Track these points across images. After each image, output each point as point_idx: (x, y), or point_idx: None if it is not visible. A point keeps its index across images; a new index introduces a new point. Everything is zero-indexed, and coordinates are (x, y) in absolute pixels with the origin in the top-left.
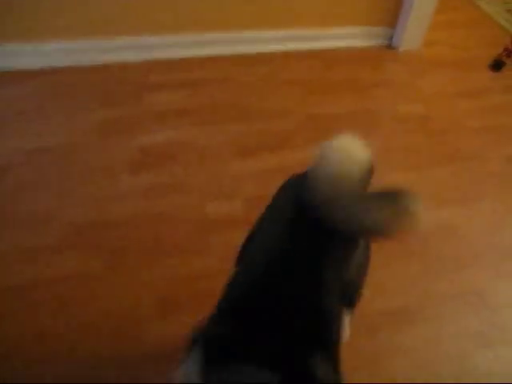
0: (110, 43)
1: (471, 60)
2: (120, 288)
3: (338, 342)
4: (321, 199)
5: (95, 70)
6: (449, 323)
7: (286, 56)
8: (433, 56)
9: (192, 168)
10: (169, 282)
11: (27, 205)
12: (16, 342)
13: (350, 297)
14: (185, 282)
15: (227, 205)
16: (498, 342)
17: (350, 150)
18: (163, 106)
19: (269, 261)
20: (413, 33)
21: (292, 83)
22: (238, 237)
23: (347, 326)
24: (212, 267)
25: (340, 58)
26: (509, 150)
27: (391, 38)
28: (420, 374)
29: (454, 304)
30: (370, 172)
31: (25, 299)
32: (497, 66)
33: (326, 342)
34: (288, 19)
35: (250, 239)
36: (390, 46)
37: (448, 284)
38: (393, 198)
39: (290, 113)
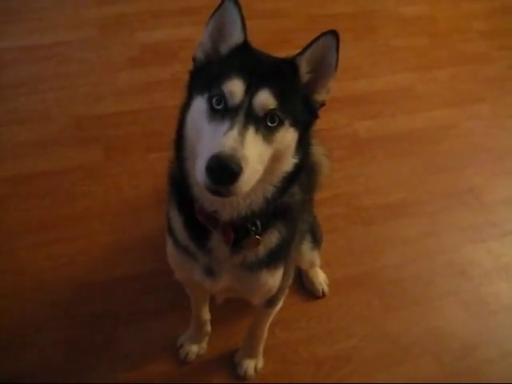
0: None
1: None
2: (119, 179)
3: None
4: None
5: None
6: (444, 218)
7: None
8: None
9: (191, 65)
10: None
11: (25, 101)
12: (18, 229)
13: (316, 237)
14: None
15: None
16: (490, 237)
17: None
18: (163, 3)
19: None
20: None
21: None
22: None
23: (317, 257)
24: None
25: None
26: None
27: None
28: (414, 263)
29: (450, 200)
30: None
31: (28, 190)
32: None
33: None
34: None
35: None
36: None
37: (444, 181)
38: None
39: (291, 13)
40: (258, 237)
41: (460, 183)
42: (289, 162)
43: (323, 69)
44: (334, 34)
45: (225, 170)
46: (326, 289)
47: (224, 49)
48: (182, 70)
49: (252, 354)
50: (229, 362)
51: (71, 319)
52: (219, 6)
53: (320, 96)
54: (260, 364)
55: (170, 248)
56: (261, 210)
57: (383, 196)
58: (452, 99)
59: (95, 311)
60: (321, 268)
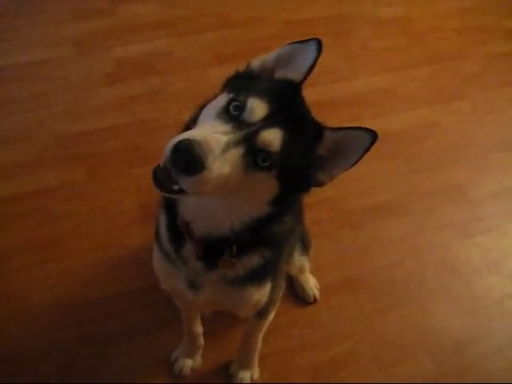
0: None
1: None
2: (102, 195)
3: None
4: None
5: None
6: (430, 216)
7: None
8: None
9: (170, 77)
10: (151, 187)
11: (4, 121)
12: (2, 252)
13: (305, 243)
14: None
15: None
16: (477, 233)
17: None
18: (138, 17)
19: None
20: None
21: None
22: None
23: (307, 263)
24: None
25: None
26: (490, 48)
27: None
28: (404, 263)
29: (436, 198)
30: None
31: (11, 211)
32: None
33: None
34: None
35: None
36: None
37: (429, 179)
38: None
39: (266, 20)
40: (233, 259)
41: (445, 180)
42: (258, 208)
43: (342, 156)
44: (374, 135)
45: (190, 156)
46: (317, 294)
47: (278, 75)
48: (160, 83)
49: (247, 365)
50: (225, 374)
51: (61, 342)
52: (305, 41)
53: (322, 176)
54: (256, 375)
55: (155, 254)
56: (229, 239)
57: (369, 198)
58: (432, 98)
59: (85, 332)
60: (311, 273)
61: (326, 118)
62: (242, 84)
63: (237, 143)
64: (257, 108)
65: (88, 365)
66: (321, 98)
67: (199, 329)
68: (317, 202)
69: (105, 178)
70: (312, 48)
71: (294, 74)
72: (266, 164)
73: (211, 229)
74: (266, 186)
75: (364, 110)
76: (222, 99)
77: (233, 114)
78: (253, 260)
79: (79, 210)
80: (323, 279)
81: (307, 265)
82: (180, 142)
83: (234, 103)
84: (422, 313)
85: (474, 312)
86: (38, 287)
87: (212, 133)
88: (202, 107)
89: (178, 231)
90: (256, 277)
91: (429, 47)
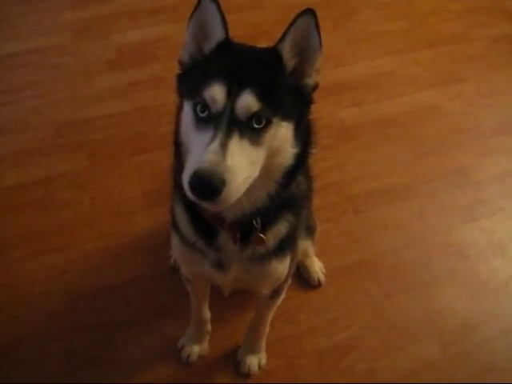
0: None
1: None
2: (105, 183)
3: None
4: None
5: None
6: (435, 200)
7: None
8: None
9: (170, 63)
10: (154, 174)
11: (4, 111)
12: (6, 242)
13: (310, 226)
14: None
15: None
16: (482, 215)
17: None
18: (137, 3)
19: None
20: None
21: None
22: None
23: (311, 246)
24: None
25: None
26: (494, 30)
27: None
28: (409, 247)
29: (440, 181)
30: None
31: (12, 201)
32: None
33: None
34: None
35: None
36: None
37: (432, 163)
38: None
39: (267, 5)
40: (261, 235)
41: (448, 164)
42: (289, 155)
43: (308, 50)
44: (310, 12)
45: (206, 187)
46: (321, 277)
47: (207, 48)
48: (160, 69)
49: (254, 350)
50: (232, 360)
51: (67, 331)
52: (197, 6)
53: (311, 79)
54: (263, 360)
55: (176, 244)
56: (265, 206)
57: (373, 182)
58: (434, 80)
59: (91, 321)
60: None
61: (329, 101)
62: (189, 83)
63: (227, 135)
64: (215, 94)
65: (93, 353)
66: (323, 82)
67: (207, 314)
68: (321, 187)
69: (107, 165)
70: (208, 5)
71: (216, 36)
72: (263, 123)
73: (247, 207)
74: (282, 133)
75: (367, 94)
76: (188, 109)
77: (206, 116)
78: (281, 228)
79: (82, 199)
80: (329, 264)
81: (311, 249)
82: (191, 182)
83: (198, 106)
84: (428, 296)
85: (480, 295)
86: (42, 277)
87: (204, 149)
88: (176, 124)
89: (205, 224)
90: (281, 249)
91: (431, 29)
